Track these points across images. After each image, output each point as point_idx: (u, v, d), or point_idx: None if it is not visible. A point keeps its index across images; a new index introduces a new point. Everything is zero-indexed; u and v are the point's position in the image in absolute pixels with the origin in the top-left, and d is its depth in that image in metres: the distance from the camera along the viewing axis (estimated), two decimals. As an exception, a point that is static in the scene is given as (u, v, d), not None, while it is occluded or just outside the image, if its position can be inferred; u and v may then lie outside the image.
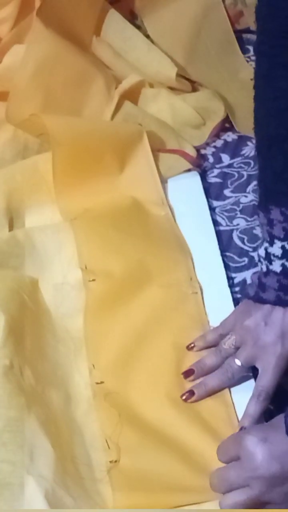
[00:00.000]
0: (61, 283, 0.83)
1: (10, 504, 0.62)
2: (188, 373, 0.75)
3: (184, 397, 0.73)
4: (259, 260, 0.75)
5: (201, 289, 0.83)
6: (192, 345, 0.78)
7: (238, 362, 0.73)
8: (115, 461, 0.68)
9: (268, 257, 0.74)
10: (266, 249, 0.74)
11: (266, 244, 0.74)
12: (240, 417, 0.72)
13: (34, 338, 0.76)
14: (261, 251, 0.75)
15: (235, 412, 0.72)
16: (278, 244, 0.73)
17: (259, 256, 0.76)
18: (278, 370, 0.71)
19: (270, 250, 0.74)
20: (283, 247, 0.73)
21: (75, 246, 0.86)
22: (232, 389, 0.75)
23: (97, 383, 0.74)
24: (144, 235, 0.88)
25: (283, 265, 0.73)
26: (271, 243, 0.74)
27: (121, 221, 0.89)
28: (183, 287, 0.83)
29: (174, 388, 0.74)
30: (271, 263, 0.74)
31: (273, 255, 0.73)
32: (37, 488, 0.62)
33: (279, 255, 0.73)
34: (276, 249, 0.73)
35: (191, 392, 0.73)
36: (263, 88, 0.79)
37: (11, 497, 0.62)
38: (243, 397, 0.72)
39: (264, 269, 0.74)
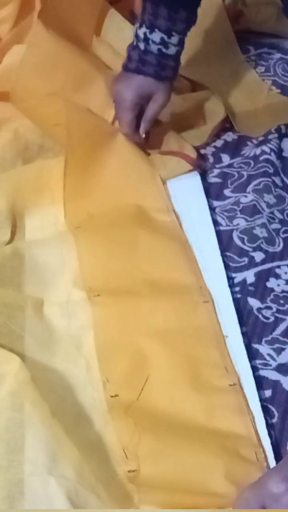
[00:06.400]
0: (66, 301, 0.81)
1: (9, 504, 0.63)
2: None
3: None
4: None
5: (211, 298, 0.82)
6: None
7: None
8: (134, 471, 0.67)
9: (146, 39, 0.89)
10: (145, 33, 0.89)
11: (144, 29, 0.89)
12: (260, 434, 0.71)
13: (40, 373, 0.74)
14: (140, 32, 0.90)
15: (253, 425, 0.71)
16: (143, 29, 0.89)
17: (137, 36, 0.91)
18: None
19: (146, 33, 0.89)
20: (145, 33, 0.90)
21: (78, 265, 0.84)
22: (251, 403, 0.73)
23: (112, 396, 0.73)
24: (150, 245, 0.87)
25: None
26: (151, 29, 0.88)
27: (126, 230, 0.88)
28: (194, 296, 0.82)
29: (188, 398, 0.73)
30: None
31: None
32: (59, 488, 0.63)
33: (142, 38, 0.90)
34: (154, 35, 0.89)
35: None
36: None
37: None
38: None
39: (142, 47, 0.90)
